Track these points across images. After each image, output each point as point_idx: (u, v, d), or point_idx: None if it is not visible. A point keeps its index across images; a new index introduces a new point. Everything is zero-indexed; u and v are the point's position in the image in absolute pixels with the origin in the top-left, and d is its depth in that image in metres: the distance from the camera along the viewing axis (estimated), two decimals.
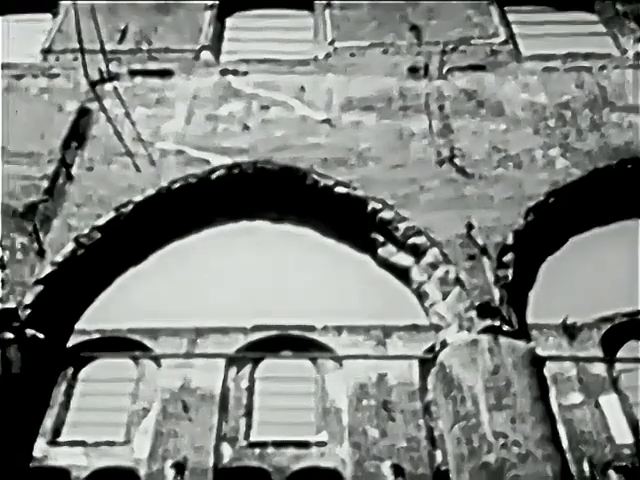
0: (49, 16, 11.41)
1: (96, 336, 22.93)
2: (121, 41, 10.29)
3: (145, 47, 10.18)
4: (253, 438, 22.05)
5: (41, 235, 7.63)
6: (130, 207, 7.93)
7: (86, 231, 7.68)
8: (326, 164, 8.33)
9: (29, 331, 6.83)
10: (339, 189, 8.10)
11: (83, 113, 9.09)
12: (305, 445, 21.53)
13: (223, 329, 24.24)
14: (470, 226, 7.52)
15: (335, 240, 8.53)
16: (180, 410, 22.00)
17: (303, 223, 8.56)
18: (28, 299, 7.06)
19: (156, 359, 23.03)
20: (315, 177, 8.20)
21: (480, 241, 7.41)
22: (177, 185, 8.15)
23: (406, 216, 7.73)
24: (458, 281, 7.14)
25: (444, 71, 9.48)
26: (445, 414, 6.58)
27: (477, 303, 6.92)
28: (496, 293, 7.00)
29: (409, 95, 9.20)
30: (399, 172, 8.25)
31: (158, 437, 21.42)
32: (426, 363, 22.05)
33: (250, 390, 23.36)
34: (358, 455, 21.09)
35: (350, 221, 8.17)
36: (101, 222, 7.76)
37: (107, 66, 9.62)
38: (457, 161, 8.27)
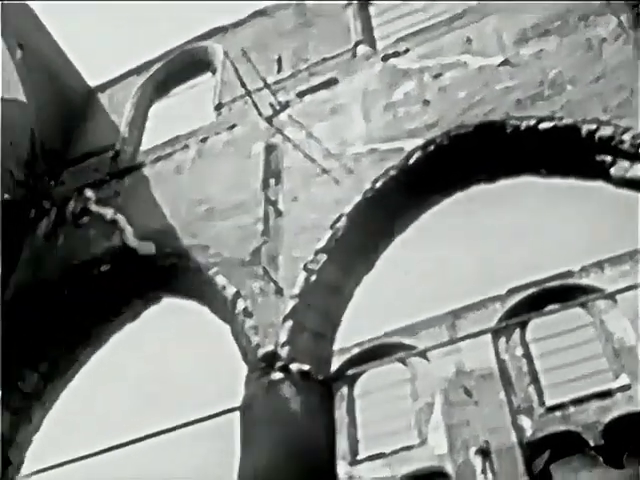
0: (208, 76, 12.22)
1: (356, 351, 23.76)
2: (280, 70, 10.72)
3: (303, 66, 10.50)
4: (549, 402, 21.46)
5: (272, 274, 8.12)
6: (344, 220, 8.16)
7: (311, 257, 8.02)
8: (520, 105, 8.02)
9: (293, 366, 7.25)
10: (544, 125, 7.75)
11: (270, 150, 9.57)
12: (607, 395, 20.53)
13: (478, 304, 23.97)
14: None
15: (560, 178, 8.15)
16: (463, 396, 22.05)
17: (516, 174, 8.29)
18: (282, 337, 7.51)
19: (423, 354, 23.31)
20: (514, 122, 7.92)
21: None
22: (380, 183, 8.26)
23: (627, 125, 7.18)
24: None
25: None
26: None
27: None
28: None
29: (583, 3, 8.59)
30: (601, 84, 7.72)
31: (451, 429, 21.61)
32: None
33: (527, 356, 22.82)
34: None
35: (567, 153, 7.76)
36: (322, 244, 8.07)
37: (275, 98, 10.06)
38: None
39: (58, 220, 11.16)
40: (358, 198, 8.28)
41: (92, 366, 10.28)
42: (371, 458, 22.27)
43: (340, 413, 22.75)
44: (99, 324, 10.04)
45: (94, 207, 10.90)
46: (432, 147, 8.28)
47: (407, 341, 23.77)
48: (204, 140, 10.61)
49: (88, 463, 8.38)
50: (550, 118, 7.74)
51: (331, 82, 9.96)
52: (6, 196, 11.09)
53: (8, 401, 9.31)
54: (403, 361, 24.00)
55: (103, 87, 13.53)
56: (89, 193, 11.20)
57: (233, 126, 10.41)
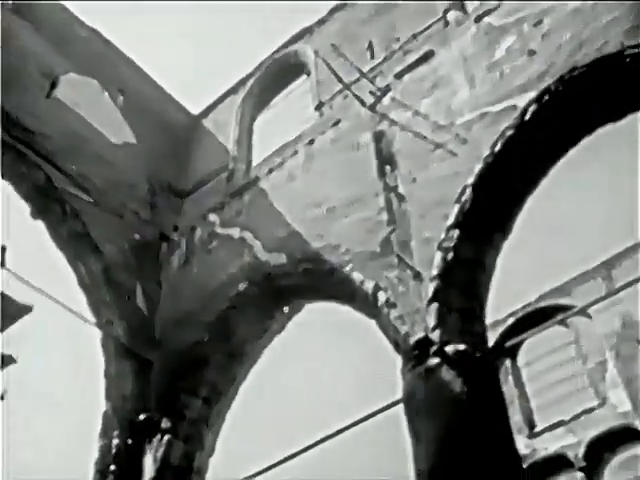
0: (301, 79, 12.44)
1: (511, 321, 23.28)
2: (373, 56, 10.74)
3: (396, 46, 10.47)
4: None
5: (407, 260, 8.16)
6: (468, 192, 8.09)
7: (443, 235, 8.00)
8: (631, 34, 7.67)
9: (448, 348, 7.24)
10: None
11: (379, 137, 9.63)
12: None
13: (631, 249, 22.93)
14: None
15: None
16: (636, 348, 21.19)
17: None
18: (431, 321, 7.52)
19: (583, 312, 22.52)
20: (631, 51, 7.57)
21: None
22: (498, 147, 8.13)
23: None
24: None
25: None
26: None
27: None
28: None
29: None
30: None
31: (631, 383, 20.82)
32: None
33: None
34: None
35: None
36: (452, 220, 8.03)
37: (374, 84, 10.11)
38: None
39: (189, 250, 11.70)
40: (479, 166, 8.17)
41: (250, 382, 10.72)
42: (551, 427, 21.79)
43: (508, 387, 22.37)
44: (250, 342, 10.46)
45: (220, 230, 11.37)
46: (547, 97, 8.04)
47: (563, 301, 23.07)
48: (311, 142, 10.81)
49: (266, 476, 8.75)
50: None
51: (427, 56, 9.89)
52: (136, 236, 11.75)
53: (177, 430, 9.83)
54: (563, 323, 23.28)
55: (205, 113, 14.05)
56: (213, 217, 11.68)
57: (337, 122, 10.55)
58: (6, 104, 10.69)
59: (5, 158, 10.66)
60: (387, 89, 10.05)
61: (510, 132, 8.15)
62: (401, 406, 7.41)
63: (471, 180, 8.14)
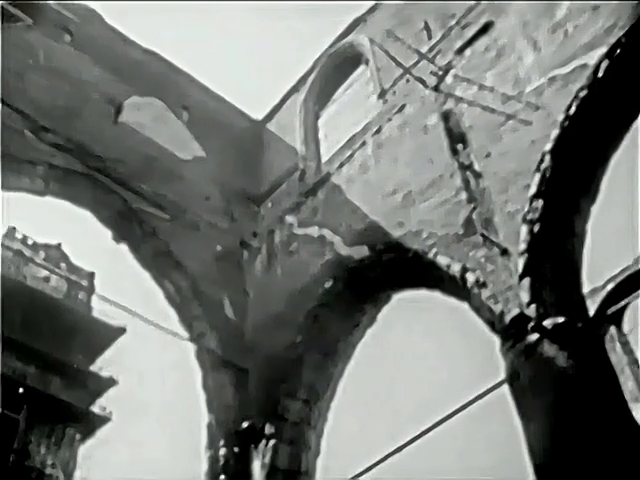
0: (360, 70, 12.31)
1: (610, 286, 22.50)
2: (430, 36, 10.51)
3: (452, 22, 10.22)
4: None
5: (492, 237, 7.96)
6: (547, 159, 7.82)
7: (526, 207, 7.76)
8: None
9: (547, 322, 7.00)
10: None
11: (447, 117, 9.44)
12: None
13: None
14: None
15: None
16: None
17: None
18: (525, 297, 7.29)
19: None
20: None
21: None
22: (573, 109, 7.83)
23: None
24: None
25: None
26: None
27: None
28: None
29: None
30: None
31: None
32: None
33: None
34: None
35: None
36: (534, 190, 7.76)
37: (434, 64, 9.90)
38: None
39: (270, 254, 11.75)
40: (555, 132, 7.89)
41: (346, 379, 10.68)
42: None
43: (616, 356, 21.65)
44: (342, 339, 10.42)
45: (299, 230, 11.37)
46: (619, 50, 7.69)
47: None
48: (378, 131, 10.68)
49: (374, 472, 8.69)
50: None
51: (486, 27, 9.62)
52: (218, 247, 11.87)
53: (281, 434, 9.87)
54: None
55: (269, 116, 14.07)
56: (290, 219, 11.70)
57: (402, 108, 10.38)
58: (77, 135, 10.96)
59: (81, 187, 10.94)
60: (449, 67, 9.83)
61: (583, 93, 7.84)
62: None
63: (549, 146, 7.87)
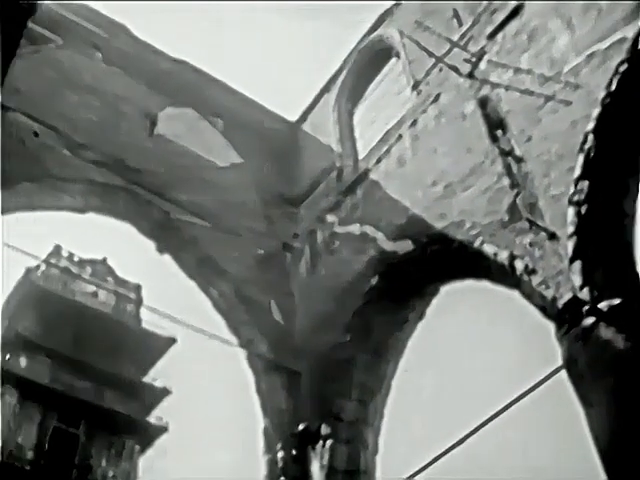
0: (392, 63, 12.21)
1: None
2: (460, 24, 10.36)
3: (481, 8, 10.04)
4: None
5: (539, 222, 7.80)
6: (590, 138, 7.63)
7: (572, 189, 7.59)
8: None
9: (602, 305, 6.81)
10: None
11: (484, 103, 9.30)
12: None
13: None
14: None
15: None
16: None
17: None
18: (577, 280, 7.10)
19: None
20: None
21: None
22: (614, 85, 7.61)
23: None
24: None
25: None
26: None
27: None
28: None
29: None
30: None
31: None
32: None
33: None
34: None
35: None
36: (578, 171, 7.60)
37: (467, 51, 9.76)
38: None
39: (313, 254, 11.72)
40: (597, 110, 7.69)
41: (400, 375, 10.60)
42: None
43: None
44: (391, 335, 10.34)
45: (340, 229, 11.31)
46: None
47: None
48: (414, 123, 10.57)
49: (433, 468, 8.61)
50: None
51: (517, 10, 9.43)
52: (260, 251, 11.88)
53: (338, 434, 9.83)
54: None
55: (303, 117, 14.02)
56: (330, 218, 11.64)
57: (437, 97, 10.25)
58: (113, 150, 11.07)
59: (121, 201, 11.05)
60: (482, 52, 9.67)
61: (624, 67, 7.61)
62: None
63: (591, 126, 7.66)
